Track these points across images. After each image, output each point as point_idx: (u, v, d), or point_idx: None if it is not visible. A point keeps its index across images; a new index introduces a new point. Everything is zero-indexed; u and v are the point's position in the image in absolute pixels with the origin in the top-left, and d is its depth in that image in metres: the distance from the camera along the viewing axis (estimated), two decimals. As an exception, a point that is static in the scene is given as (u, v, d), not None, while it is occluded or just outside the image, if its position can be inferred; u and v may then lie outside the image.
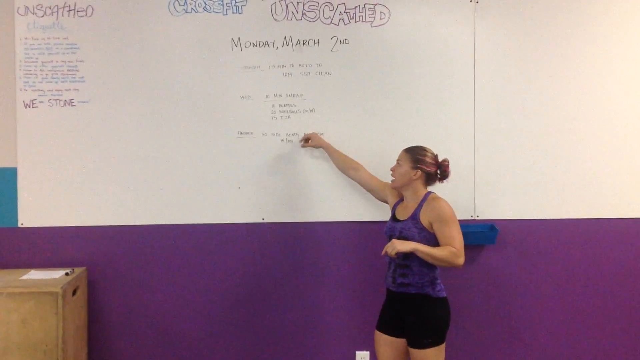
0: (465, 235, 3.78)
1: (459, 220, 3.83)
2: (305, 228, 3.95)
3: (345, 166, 3.77)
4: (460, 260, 3.12)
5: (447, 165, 3.33)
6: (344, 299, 3.99)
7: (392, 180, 3.39)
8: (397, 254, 3.09)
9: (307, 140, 3.87)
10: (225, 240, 3.93)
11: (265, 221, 3.92)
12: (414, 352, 3.21)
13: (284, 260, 3.97)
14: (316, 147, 3.86)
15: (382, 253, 3.15)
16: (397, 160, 3.35)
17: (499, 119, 3.95)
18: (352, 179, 3.77)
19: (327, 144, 3.84)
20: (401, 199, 3.44)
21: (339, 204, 3.93)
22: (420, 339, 3.19)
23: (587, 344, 4.05)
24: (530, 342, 4.04)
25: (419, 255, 3.11)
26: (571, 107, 3.96)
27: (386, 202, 3.59)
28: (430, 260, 3.12)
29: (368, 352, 3.94)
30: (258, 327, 3.98)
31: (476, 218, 3.97)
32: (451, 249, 3.10)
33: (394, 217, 3.38)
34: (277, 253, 3.96)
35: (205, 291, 3.94)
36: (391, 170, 3.38)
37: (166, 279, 3.92)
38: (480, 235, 3.91)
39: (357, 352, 4.00)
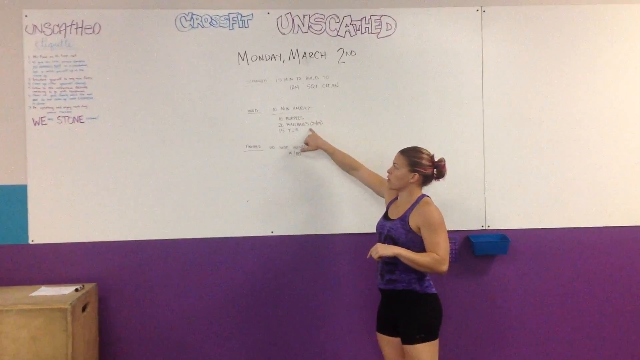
0: (476, 245, 3.81)
1: (470, 231, 3.85)
2: (314, 240, 3.94)
3: (346, 167, 3.85)
4: (444, 267, 3.14)
5: (444, 165, 3.36)
6: (355, 312, 3.98)
7: (389, 182, 3.41)
8: (380, 257, 3.14)
9: (306, 144, 3.90)
10: (234, 254, 3.92)
11: (274, 234, 3.92)
12: (407, 348, 3.24)
13: (294, 272, 3.95)
14: (314, 149, 3.87)
15: (367, 256, 3.20)
16: (394, 162, 3.37)
17: (509, 128, 3.94)
18: (353, 176, 3.84)
19: (326, 144, 3.86)
20: (396, 197, 3.47)
21: (347, 216, 3.92)
22: (412, 335, 3.21)
23: (600, 353, 4.01)
24: (543, 352, 4.00)
25: (402, 260, 3.15)
26: (581, 115, 3.94)
27: (383, 197, 3.64)
28: (412, 266, 3.15)
29: (379, 366, 3.92)
30: (268, 340, 3.96)
31: (487, 228, 3.94)
32: (434, 256, 3.13)
33: (386, 215, 3.44)
34: (286, 266, 3.95)
35: (215, 304, 3.93)
36: (388, 172, 3.40)
37: (176, 293, 3.92)
38: (492, 245, 3.89)
39: (368, 369, 3.99)
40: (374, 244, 3.27)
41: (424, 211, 3.24)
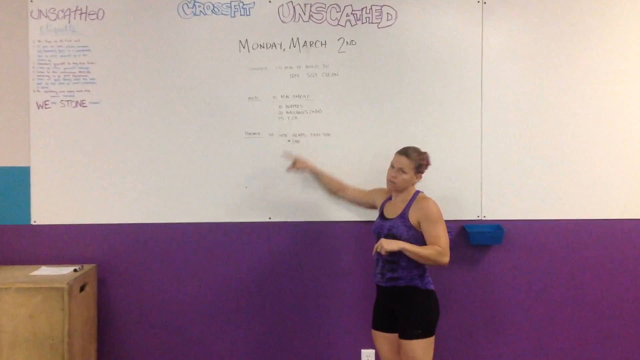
0: (471, 235, 3.85)
1: (466, 221, 3.88)
2: (311, 227, 3.98)
3: (332, 189, 3.86)
4: (446, 259, 3.20)
5: (429, 158, 3.45)
6: (350, 298, 4.02)
7: (394, 185, 3.38)
8: (387, 252, 3.17)
9: (293, 165, 3.87)
10: (232, 239, 3.98)
11: (271, 220, 3.96)
12: (404, 343, 3.27)
13: (290, 258, 4.00)
14: (302, 169, 3.88)
15: (373, 253, 3.25)
16: (400, 167, 3.34)
17: (506, 119, 3.95)
18: (341, 198, 3.85)
19: (313, 166, 3.87)
20: (389, 198, 3.50)
21: (344, 203, 3.92)
22: (410, 330, 3.25)
23: (594, 344, 4.02)
24: (536, 342, 4.02)
25: (407, 254, 3.19)
26: (579, 107, 3.94)
27: (375, 207, 3.64)
28: (416, 259, 3.20)
29: (373, 351, 3.95)
30: (264, 325, 4.02)
31: (483, 218, 3.96)
32: (437, 248, 3.19)
33: (382, 216, 3.45)
34: (283, 252, 3.99)
35: (212, 288, 3.99)
36: (392, 176, 3.36)
37: (174, 276, 3.98)
38: (487, 235, 3.90)
39: (363, 350, 4.02)
40: (370, 232, 3.33)
41: (423, 205, 3.29)
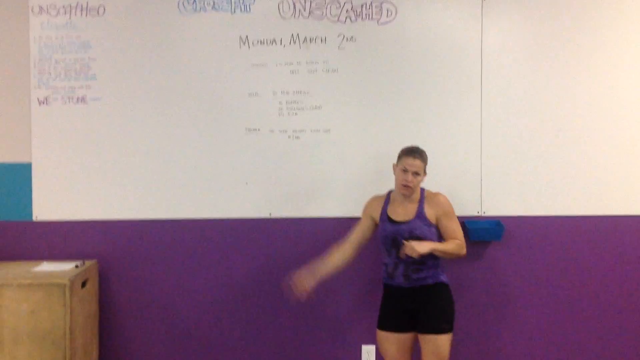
0: (471, 231, 3.86)
1: (466, 217, 3.92)
2: (311, 223, 3.98)
3: (341, 258, 3.50)
4: (465, 251, 3.33)
5: None
6: (350, 294, 4.03)
7: (408, 189, 3.32)
8: (419, 255, 3.18)
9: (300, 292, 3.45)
10: (232, 235, 3.99)
11: (272, 216, 3.97)
12: (431, 338, 3.29)
13: (291, 255, 3.99)
14: (313, 281, 3.43)
15: (402, 256, 3.25)
16: (415, 171, 3.31)
17: (506, 115, 3.95)
18: (355, 252, 3.53)
19: (318, 269, 3.46)
20: (386, 202, 3.49)
21: (345, 199, 3.95)
22: (439, 325, 3.29)
23: (593, 341, 4.03)
24: (535, 339, 4.03)
25: (436, 253, 3.25)
26: (579, 104, 3.94)
27: (376, 224, 3.49)
28: (442, 256, 3.29)
29: (374, 347, 3.96)
30: (265, 321, 4.03)
31: (482, 214, 3.97)
32: (458, 242, 3.30)
33: (390, 220, 3.40)
34: (283, 248, 3.99)
35: (212, 284, 4.01)
36: (408, 182, 3.30)
37: (175, 272, 4.00)
38: (486, 231, 3.91)
39: (363, 346, 4.03)
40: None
41: (438, 201, 3.36)
